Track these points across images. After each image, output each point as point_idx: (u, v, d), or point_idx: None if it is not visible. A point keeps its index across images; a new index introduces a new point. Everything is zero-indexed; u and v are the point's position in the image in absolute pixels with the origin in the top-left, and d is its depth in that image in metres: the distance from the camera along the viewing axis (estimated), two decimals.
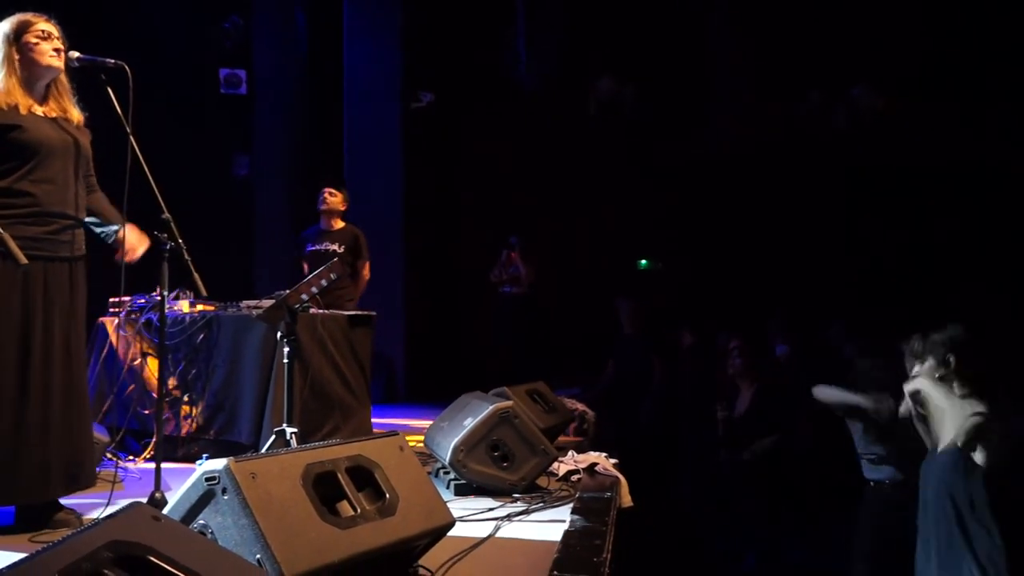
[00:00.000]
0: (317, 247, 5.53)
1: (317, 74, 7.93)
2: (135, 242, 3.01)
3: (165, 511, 2.08)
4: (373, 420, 5.51)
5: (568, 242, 8.36)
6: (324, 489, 2.22)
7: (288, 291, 3.36)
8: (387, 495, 2.33)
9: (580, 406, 4.99)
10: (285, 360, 3.36)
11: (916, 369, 3.05)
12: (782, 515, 5.13)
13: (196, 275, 3.02)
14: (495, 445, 3.34)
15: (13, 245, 2.61)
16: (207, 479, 2.04)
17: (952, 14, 7.88)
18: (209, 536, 2.04)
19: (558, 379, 6.77)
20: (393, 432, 2.61)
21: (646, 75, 8.58)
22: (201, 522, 2.07)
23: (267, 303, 3.63)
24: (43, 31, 2.90)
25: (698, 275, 8.46)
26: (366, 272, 5.63)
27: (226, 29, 7.92)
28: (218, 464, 2.04)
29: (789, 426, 5.35)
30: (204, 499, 2.06)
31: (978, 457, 2.86)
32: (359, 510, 2.23)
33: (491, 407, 3.38)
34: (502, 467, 3.34)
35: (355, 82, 7.54)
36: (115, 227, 2.98)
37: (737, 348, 5.46)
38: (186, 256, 2.99)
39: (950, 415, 3.01)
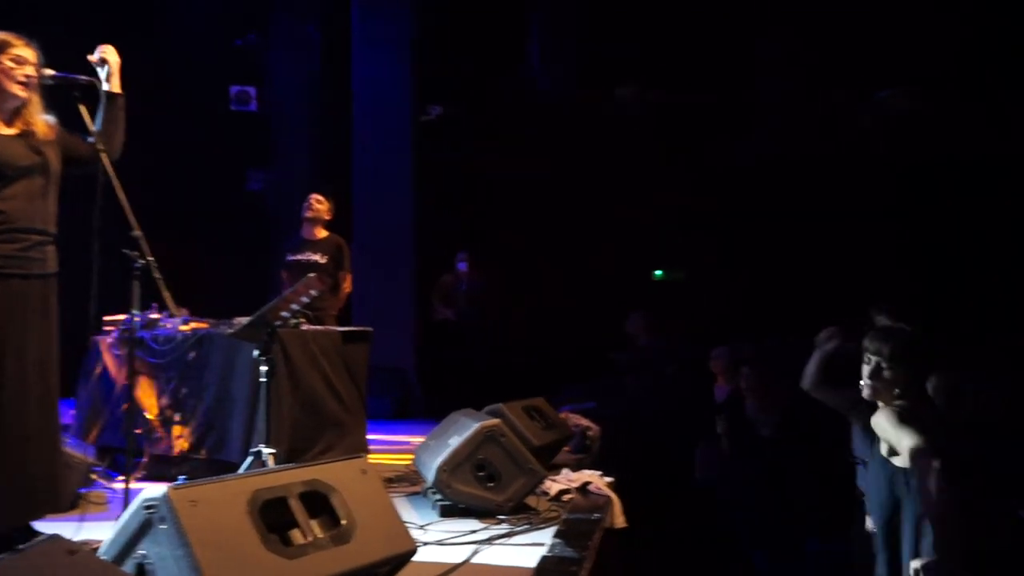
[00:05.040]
0: (299, 257, 5.21)
1: (330, 88, 7.95)
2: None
3: (105, 541, 2.02)
4: (383, 437, 5.45)
5: (585, 254, 8.16)
6: (274, 516, 2.14)
7: (266, 308, 3.29)
8: (344, 521, 2.23)
9: (584, 421, 4.85)
10: (263, 379, 3.29)
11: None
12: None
13: (166, 293, 2.97)
14: (481, 464, 3.25)
15: None
16: (146, 507, 1.97)
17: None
18: (149, 568, 1.97)
19: (575, 393, 6.62)
20: (357, 455, 2.53)
21: (664, 80, 8.40)
22: (141, 552, 1.99)
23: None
24: (19, 56, 2.89)
25: (725, 285, 8.18)
26: (348, 285, 5.31)
27: (242, 46, 8.00)
28: (158, 491, 1.97)
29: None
30: (143, 528, 1.98)
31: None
32: (311, 538, 2.14)
33: (477, 425, 3.29)
34: (488, 487, 3.25)
35: (364, 95, 7.52)
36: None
37: (749, 374, 5.20)
38: (156, 274, 2.95)
39: None
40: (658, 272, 8.65)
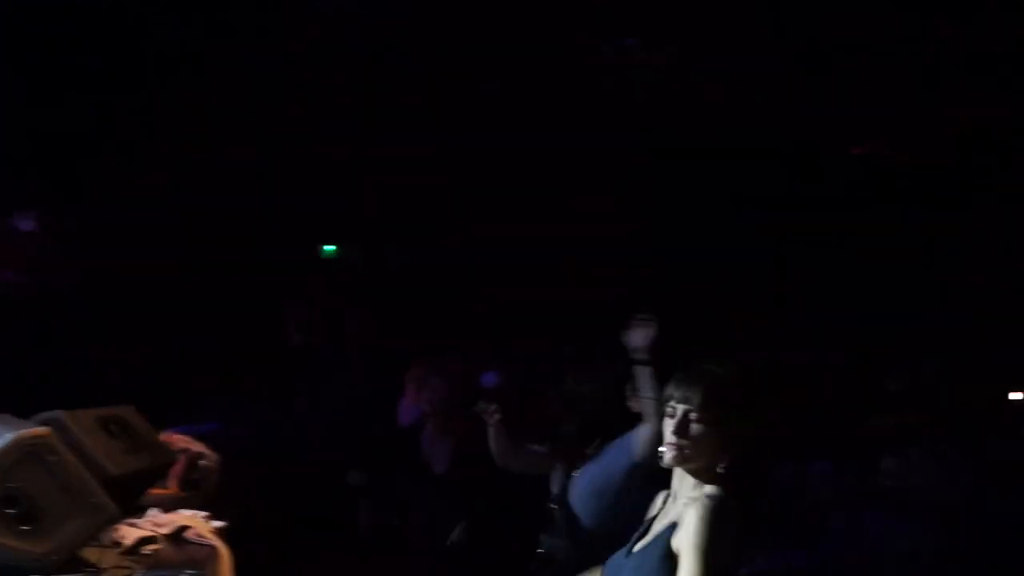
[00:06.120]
0: None
1: None
2: None
3: None
4: None
5: (234, 211, 6.96)
6: None
7: None
8: None
9: (197, 447, 4.22)
10: None
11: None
12: None
13: None
14: (11, 497, 2.54)
15: None
16: None
17: None
18: None
19: (199, 408, 5.86)
20: None
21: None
22: None
23: None
24: None
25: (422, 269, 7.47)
26: None
27: None
28: None
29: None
30: None
31: None
32: None
33: (9, 437, 2.57)
34: (21, 532, 2.53)
35: None
36: None
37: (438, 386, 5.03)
38: None
39: None
40: (329, 247, 7.68)
